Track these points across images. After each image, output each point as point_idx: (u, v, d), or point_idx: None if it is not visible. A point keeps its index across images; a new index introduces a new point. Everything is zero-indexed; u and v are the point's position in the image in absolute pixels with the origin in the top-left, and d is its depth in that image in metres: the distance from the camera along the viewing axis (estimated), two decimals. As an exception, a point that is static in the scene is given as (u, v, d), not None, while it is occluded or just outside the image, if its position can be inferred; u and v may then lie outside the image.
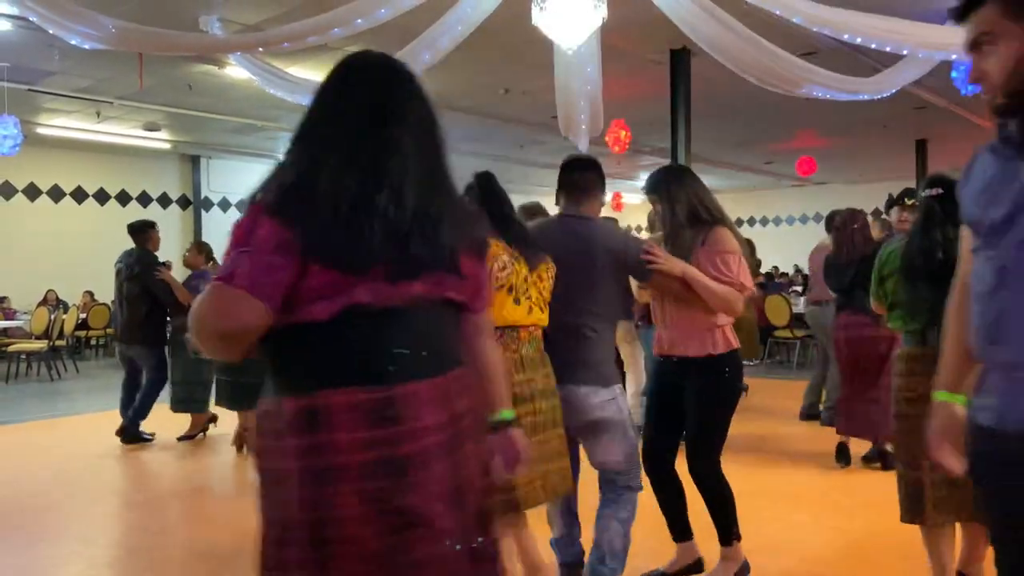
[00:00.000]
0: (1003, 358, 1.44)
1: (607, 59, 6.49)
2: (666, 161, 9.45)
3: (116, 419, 6.28)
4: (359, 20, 5.44)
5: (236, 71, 8.24)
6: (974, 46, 1.48)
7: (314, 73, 8.87)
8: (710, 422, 3.08)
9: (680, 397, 3.08)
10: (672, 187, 3.10)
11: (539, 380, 2.68)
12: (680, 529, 3.21)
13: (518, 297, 2.62)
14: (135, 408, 6.17)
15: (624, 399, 2.97)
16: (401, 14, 5.48)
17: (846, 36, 5.72)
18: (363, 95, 1.53)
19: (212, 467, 5.65)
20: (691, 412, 3.07)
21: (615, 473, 2.92)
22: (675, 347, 3.04)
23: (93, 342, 13.52)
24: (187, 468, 5.62)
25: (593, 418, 2.83)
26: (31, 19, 5.28)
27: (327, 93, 1.56)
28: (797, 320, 9.27)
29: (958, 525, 2.92)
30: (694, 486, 3.12)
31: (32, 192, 13.81)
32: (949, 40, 5.95)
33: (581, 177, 2.98)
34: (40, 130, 11.84)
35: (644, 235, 7.18)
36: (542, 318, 2.72)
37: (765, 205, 20.63)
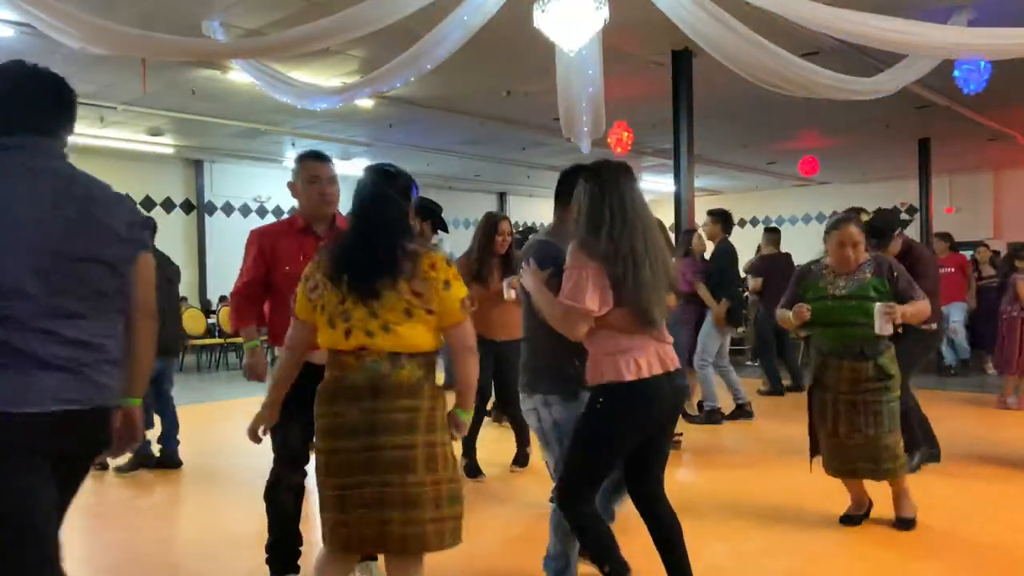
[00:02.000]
0: None
1: (609, 60, 6.50)
2: (669, 162, 9.45)
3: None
4: (362, 24, 5.45)
5: (239, 76, 8.27)
6: None
7: (316, 77, 8.89)
8: (569, 449, 2.81)
9: None
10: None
11: (358, 414, 2.38)
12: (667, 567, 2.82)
13: (332, 320, 2.44)
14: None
15: (549, 410, 2.91)
16: (403, 17, 5.49)
17: (847, 36, 5.72)
18: None
19: (216, 472, 5.66)
20: None
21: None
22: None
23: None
24: (191, 474, 5.62)
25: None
26: (34, 25, 5.31)
27: None
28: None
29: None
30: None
31: (36, 198, 13.83)
32: (951, 40, 5.95)
33: (560, 190, 3.06)
34: (44, 136, 11.87)
35: None
36: (373, 343, 2.40)
37: (768, 205, 20.61)
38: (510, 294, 4.33)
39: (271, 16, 7.09)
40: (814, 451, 4.06)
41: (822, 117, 11.51)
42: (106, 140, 12.50)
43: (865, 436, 3.77)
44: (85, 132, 12.03)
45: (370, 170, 2.60)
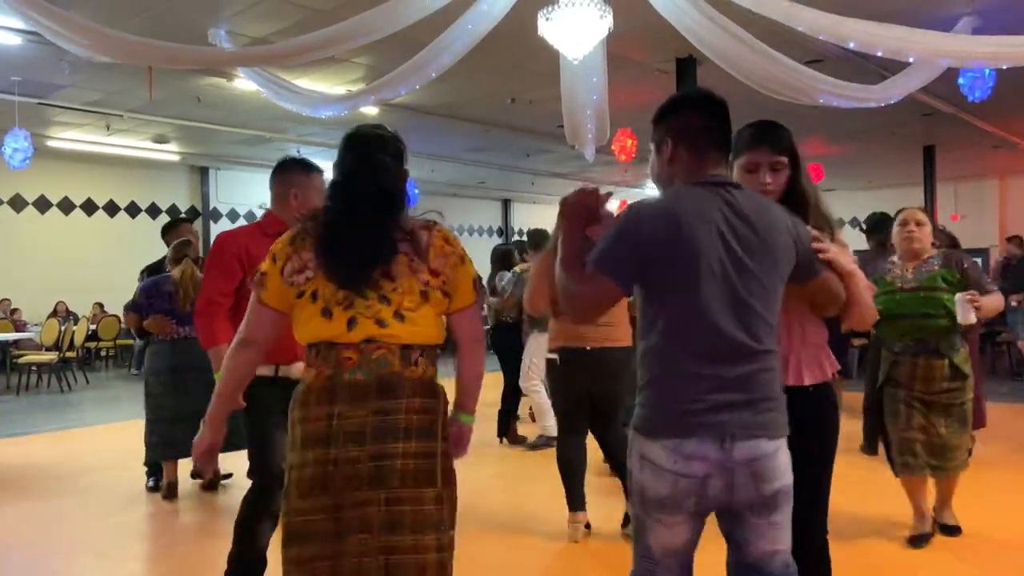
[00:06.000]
0: None
1: (613, 68, 6.51)
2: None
3: (126, 430, 6.22)
4: (366, 32, 5.46)
5: (244, 83, 8.29)
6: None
7: (321, 85, 8.91)
8: (826, 467, 2.33)
9: None
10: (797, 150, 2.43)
11: (366, 416, 1.96)
12: None
13: (328, 308, 1.99)
14: None
15: None
16: (408, 25, 5.51)
17: (852, 44, 5.72)
18: None
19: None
20: (798, 463, 2.00)
21: (780, 569, 1.94)
22: (785, 374, 2.16)
23: (103, 353, 13.58)
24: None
25: (777, 487, 1.89)
26: (41, 33, 5.33)
27: None
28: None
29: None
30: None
31: (42, 204, 13.89)
32: (955, 47, 5.95)
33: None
34: (51, 143, 11.94)
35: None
36: (385, 333, 1.99)
37: (772, 212, 20.61)
38: None
39: (277, 24, 7.12)
40: (888, 452, 3.96)
41: (827, 124, 11.51)
42: (112, 147, 12.55)
43: (938, 435, 3.74)
44: (91, 139, 12.08)
45: (354, 134, 2.17)
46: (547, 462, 5.80)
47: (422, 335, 2.03)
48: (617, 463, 4.00)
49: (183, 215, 14.47)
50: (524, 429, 6.86)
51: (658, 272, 1.85)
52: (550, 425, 6.49)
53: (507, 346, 6.79)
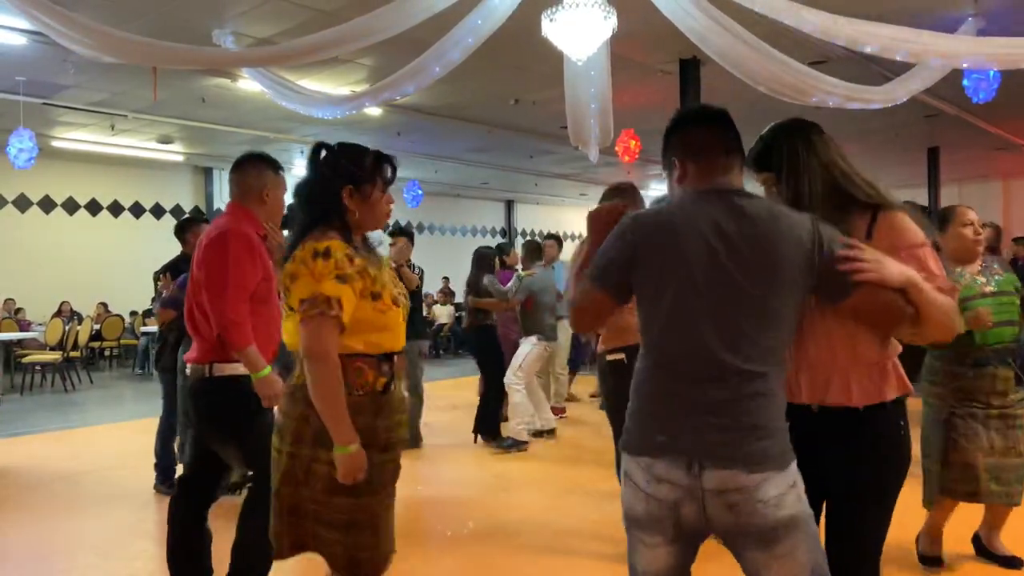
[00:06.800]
0: None
1: (617, 69, 6.51)
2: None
3: (129, 430, 6.24)
4: (371, 33, 5.47)
5: (248, 84, 8.31)
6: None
7: (325, 85, 8.92)
8: (879, 505, 1.96)
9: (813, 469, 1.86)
10: (800, 153, 2.18)
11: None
12: None
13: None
14: None
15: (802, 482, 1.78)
16: (412, 26, 5.51)
17: (856, 45, 5.71)
18: None
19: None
20: (844, 495, 1.96)
21: None
22: (827, 392, 1.93)
23: (107, 353, 13.60)
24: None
25: (770, 521, 1.68)
26: (46, 33, 5.34)
27: None
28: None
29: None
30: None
31: (47, 205, 13.92)
32: (960, 49, 5.94)
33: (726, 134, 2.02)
34: (55, 143, 11.96)
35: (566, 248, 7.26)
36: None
37: (776, 214, 20.60)
38: None
39: (281, 25, 7.13)
40: (942, 484, 3.44)
41: (829, 126, 11.34)
42: (116, 148, 12.57)
43: (1019, 453, 3.36)
44: (95, 140, 12.11)
45: (313, 147, 2.38)
46: (549, 463, 5.82)
47: (291, 343, 2.22)
48: None
49: (188, 215, 14.51)
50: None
51: (641, 280, 1.81)
52: (523, 428, 6.44)
53: (485, 346, 6.77)
